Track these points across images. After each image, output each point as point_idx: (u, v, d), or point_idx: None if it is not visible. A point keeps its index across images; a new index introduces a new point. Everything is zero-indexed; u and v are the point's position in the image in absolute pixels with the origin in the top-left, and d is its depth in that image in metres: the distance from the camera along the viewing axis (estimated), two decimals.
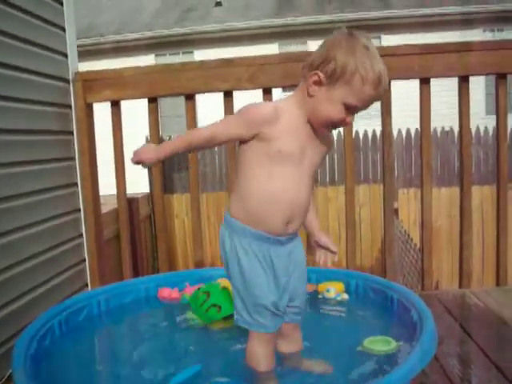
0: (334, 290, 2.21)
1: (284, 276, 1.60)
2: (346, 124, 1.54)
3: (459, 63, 2.73)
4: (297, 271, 1.65)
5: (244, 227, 1.56)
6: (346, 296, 2.21)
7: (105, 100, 2.85)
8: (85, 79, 2.85)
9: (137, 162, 1.59)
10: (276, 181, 1.53)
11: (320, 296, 2.24)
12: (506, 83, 2.77)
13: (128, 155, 3.10)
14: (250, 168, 1.55)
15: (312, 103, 1.51)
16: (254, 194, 1.55)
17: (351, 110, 1.50)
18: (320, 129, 1.56)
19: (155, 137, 2.89)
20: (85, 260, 2.96)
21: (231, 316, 1.73)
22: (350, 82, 1.44)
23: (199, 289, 2.24)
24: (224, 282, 2.21)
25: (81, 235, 2.95)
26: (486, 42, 3.38)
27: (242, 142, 1.54)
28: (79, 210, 2.94)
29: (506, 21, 12.65)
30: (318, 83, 1.48)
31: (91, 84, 2.85)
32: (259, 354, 1.59)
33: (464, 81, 2.76)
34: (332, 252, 1.77)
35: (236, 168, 1.63)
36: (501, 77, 2.77)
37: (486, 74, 2.98)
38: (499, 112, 2.78)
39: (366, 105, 1.50)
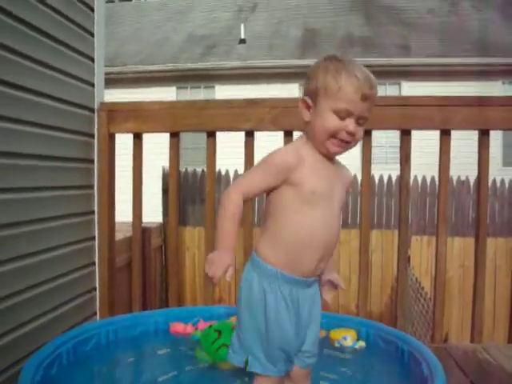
0: (350, 338, 2.19)
1: (306, 320, 1.59)
2: (350, 134, 1.52)
3: (480, 117, 2.74)
4: (316, 315, 1.64)
5: (276, 270, 1.54)
6: (363, 344, 2.18)
7: (127, 131, 2.90)
8: (109, 110, 2.91)
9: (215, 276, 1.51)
10: (310, 222, 1.53)
11: (336, 344, 2.21)
12: None
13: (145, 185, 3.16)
14: (282, 212, 1.55)
15: (310, 128, 1.56)
16: (289, 237, 1.54)
17: (344, 114, 1.50)
18: (330, 147, 1.54)
19: (174, 171, 2.92)
20: (95, 288, 2.97)
21: None
22: (328, 90, 1.49)
23: (211, 326, 2.22)
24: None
25: (93, 263, 2.97)
26: (506, 98, 3.40)
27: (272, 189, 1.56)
28: (94, 238, 2.96)
29: None
30: (308, 107, 1.55)
31: (115, 115, 2.90)
32: None
33: (484, 134, 2.77)
34: (340, 289, 1.74)
35: (266, 212, 1.61)
36: None
37: (506, 130, 2.99)
38: None
39: (356, 105, 1.50)
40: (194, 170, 7.42)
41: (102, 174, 2.90)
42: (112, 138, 2.93)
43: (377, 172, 7.34)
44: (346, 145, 1.55)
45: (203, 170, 7.80)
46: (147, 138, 2.96)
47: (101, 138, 2.90)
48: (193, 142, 11.98)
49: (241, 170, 2.96)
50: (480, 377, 2.31)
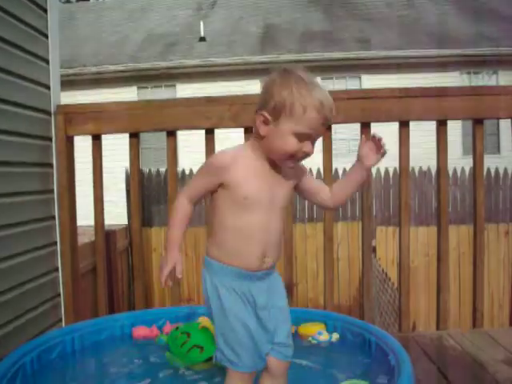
0: (324, 333, 2.19)
1: (264, 311, 1.62)
2: (306, 154, 1.56)
3: (437, 107, 2.78)
4: (276, 305, 1.67)
5: (222, 266, 1.60)
6: (338, 336, 2.19)
7: (86, 133, 2.84)
8: (66, 112, 2.85)
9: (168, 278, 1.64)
10: (246, 225, 1.58)
11: (312, 340, 2.20)
12: (483, 128, 2.83)
13: (107, 186, 3.11)
14: (221, 214, 1.60)
15: (266, 143, 1.56)
16: (228, 238, 1.59)
17: (304, 138, 1.53)
18: (284, 164, 1.59)
19: (135, 171, 2.88)
20: (59, 295, 2.91)
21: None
22: (292, 113, 1.49)
23: (177, 328, 2.20)
24: (204, 322, 2.18)
25: (56, 269, 2.91)
26: (463, 88, 3.46)
27: (212, 191, 1.62)
28: (55, 243, 2.90)
29: (481, 64, 12.99)
30: (266, 122, 1.54)
31: (73, 117, 2.84)
32: None
33: (442, 124, 2.81)
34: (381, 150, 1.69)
35: (210, 213, 1.67)
36: (477, 122, 2.83)
37: (464, 119, 3.04)
38: (476, 156, 2.83)
39: (317, 130, 1.54)
40: (158, 170, 7.36)
41: (61, 177, 2.84)
42: (70, 140, 2.87)
43: (340, 165, 7.41)
44: (299, 160, 1.61)
45: (167, 170, 7.76)
46: (112, 139, 2.92)
47: (59, 142, 2.83)
48: (156, 141, 11.89)
49: None
50: (446, 363, 2.35)
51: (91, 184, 2.88)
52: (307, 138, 1.53)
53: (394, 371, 1.68)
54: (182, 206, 1.62)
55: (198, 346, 2.04)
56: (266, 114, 1.52)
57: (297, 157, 1.56)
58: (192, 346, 2.04)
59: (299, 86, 1.50)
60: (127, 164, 2.88)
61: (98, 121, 2.83)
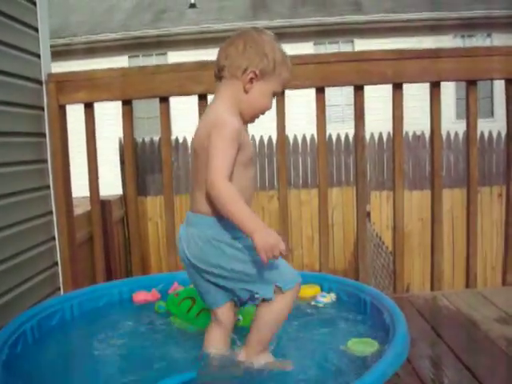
0: (327, 295, 2.20)
1: None
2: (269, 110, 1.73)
3: (431, 69, 2.78)
4: None
5: (227, 222, 1.59)
6: (334, 296, 2.21)
7: (78, 102, 2.82)
8: (58, 80, 2.82)
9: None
10: (247, 183, 1.67)
11: (314, 303, 2.20)
12: (476, 90, 2.83)
13: (102, 158, 3.10)
14: (233, 176, 1.58)
15: (248, 99, 1.65)
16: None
17: (274, 96, 1.71)
18: (251, 121, 1.71)
19: (129, 139, 2.88)
20: (57, 263, 2.93)
21: None
22: (280, 73, 1.65)
23: (177, 294, 2.20)
24: None
25: (53, 238, 2.92)
26: (457, 49, 3.44)
27: None
28: (51, 213, 2.90)
29: (475, 27, 12.89)
30: (253, 80, 1.63)
31: (64, 85, 2.82)
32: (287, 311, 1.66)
33: (435, 86, 2.81)
34: None
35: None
36: (471, 83, 2.82)
37: (457, 80, 3.04)
38: (469, 118, 2.83)
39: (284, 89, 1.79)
40: (151, 139, 7.33)
41: (54, 147, 2.83)
42: (62, 109, 2.85)
43: (334, 131, 7.40)
44: None
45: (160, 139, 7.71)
46: (107, 109, 2.90)
47: (51, 111, 2.82)
48: (148, 111, 11.81)
49: None
50: (440, 322, 2.39)
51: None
52: (275, 95, 1.71)
53: (388, 330, 1.70)
54: (233, 189, 1.53)
55: (206, 310, 2.00)
56: (258, 72, 1.61)
57: (262, 114, 1.73)
58: (200, 310, 2.03)
59: (281, 49, 1.66)
60: (120, 134, 2.87)
61: (90, 89, 2.81)
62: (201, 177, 1.61)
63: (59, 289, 2.94)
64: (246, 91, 1.64)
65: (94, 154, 2.88)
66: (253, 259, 1.59)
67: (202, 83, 2.72)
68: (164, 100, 2.81)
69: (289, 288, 1.62)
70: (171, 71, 2.83)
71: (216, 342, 1.72)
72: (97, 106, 2.89)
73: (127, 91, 2.80)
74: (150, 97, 2.86)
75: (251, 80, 1.62)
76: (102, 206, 5.15)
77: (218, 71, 1.68)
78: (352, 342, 1.74)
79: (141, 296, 2.34)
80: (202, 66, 2.77)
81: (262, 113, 1.71)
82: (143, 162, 7.27)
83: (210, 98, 2.76)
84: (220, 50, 1.70)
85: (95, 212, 2.94)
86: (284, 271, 1.63)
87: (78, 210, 3.87)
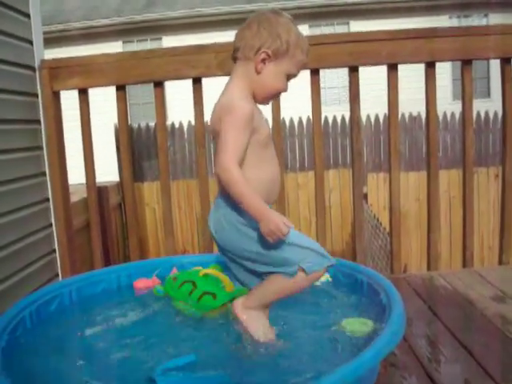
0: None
1: None
2: (283, 92, 1.73)
3: (425, 49, 2.76)
4: None
5: None
6: (329, 277, 2.21)
7: (72, 88, 2.81)
8: (51, 67, 2.81)
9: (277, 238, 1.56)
10: (271, 163, 1.71)
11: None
12: (472, 69, 2.82)
13: (98, 144, 3.10)
14: (252, 158, 1.62)
15: (260, 80, 1.66)
16: (264, 179, 1.67)
17: (289, 78, 1.70)
18: (264, 103, 1.73)
19: (124, 125, 2.86)
20: (55, 250, 2.94)
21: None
22: (294, 55, 1.64)
23: (175, 278, 2.20)
24: (204, 270, 2.19)
25: (50, 225, 2.92)
26: (452, 29, 3.42)
27: None
28: (48, 200, 2.90)
29: (471, 7, 12.80)
30: (265, 60, 1.63)
31: (58, 72, 2.80)
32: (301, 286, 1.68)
33: (430, 67, 2.80)
34: None
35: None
36: (466, 63, 2.81)
37: (452, 60, 3.03)
38: (465, 98, 2.83)
39: (299, 72, 1.72)
40: (147, 124, 7.31)
41: (49, 133, 2.82)
42: (57, 95, 2.84)
43: (330, 113, 7.38)
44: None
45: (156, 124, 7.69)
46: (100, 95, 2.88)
47: (45, 97, 2.81)
48: (144, 97, 11.77)
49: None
50: (437, 301, 2.41)
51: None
52: (290, 78, 1.70)
53: (385, 309, 1.71)
54: (241, 174, 1.54)
55: (208, 292, 2.02)
56: (270, 52, 1.62)
57: (276, 97, 1.76)
58: (202, 293, 2.02)
59: (299, 33, 1.66)
60: (115, 120, 2.86)
61: (84, 74, 2.80)
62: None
63: (57, 275, 2.95)
64: (258, 72, 1.64)
65: (89, 140, 2.87)
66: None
67: (196, 67, 2.71)
68: (159, 85, 2.80)
69: (312, 271, 1.63)
70: (165, 55, 2.81)
71: None
72: (94, 92, 2.88)
73: (121, 76, 2.79)
74: (145, 82, 2.84)
75: (263, 60, 1.63)
76: (98, 192, 5.15)
77: (233, 52, 1.70)
78: (347, 322, 1.75)
79: (142, 283, 2.34)
80: (196, 49, 2.76)
81: (276, 94, 1.73)
82: (139, 148, 7.27)
83: (204, 81, 2.77)
84: (237, 31, 1.72)
85: (92, 198, 2.94)
86: (311, 253, 1.63)
87: (75, 196, 3.88)
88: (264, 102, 1.73)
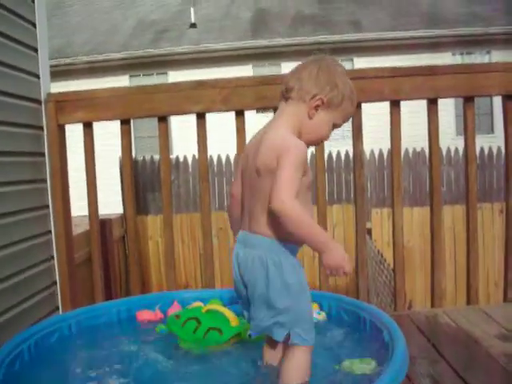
0: (321, 312, 2.19)
1: None
2: (326, 140, 1.79)
3: (428, 86, 2.79)
4: None
5: (294, 246, 1.65)
6: (323, 315, 2.20)
7: (77, 121, 2.83)
8: (57, 100, 2.84)
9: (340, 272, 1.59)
10: (310, 205, 1.70)
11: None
12: (474, 106, 2.83)
13: (102, 176, 3.11)
14: (299, 198, 1.58)
15: (309, 125, 1.67)
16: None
17: (334, 128, 1.72)
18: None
19: (127, 159, 2.88)
20: (56, 283, 2.92)
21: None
22: (346, 107, 1.68)
23: (178, 316, 2.17)
24: (207, 306, 2.18)
25: (52, 257, 2.91)
26: (453, 66, 3.46)
27: None
28: (50, 232, 2.90)
29: (474, 44, 12.96)
30: (319, 107, 1.65)
31: (63, 105, 2.83)
32: (308, 366, 1.65)
33: (432, 103, 2.81)
34: None
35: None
36: (468, 99, 2.83)
37: (454, 97, 3.05)
38: (467, 134, 2.84)
39: (345, 123, 1.76)
40: (152, 157, 7.35)
41: (53, 166, 2.83)
42: (62, 129, 2.87)
43: (334, 148, 7.42)
44: None
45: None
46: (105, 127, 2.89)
47: (50, 130, 2.83)
48: (150, 130, 11.86)
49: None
50: (441, 339, 2.37)
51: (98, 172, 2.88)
52: (335, 128, 1.73)
53: (388, 347, 1.69)
54: (300, 208, 1.53)
55: (214, 328, 2.01)
56: (326, 100, 1.64)
57: (319, 144, 1.86)
58: (208, 329, 2.01)
59: (351, 83, 1.69)
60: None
61: (89, 108, 2.83)
62: (264, 198, 1.59)
63: (58, 308, 2.92)
64: (310, 116, 1.66)
65: (93, 173, 2.88)
66: (297, 296, 1.62)
67: (200, 102, 2.73)
68: (162, 119, 2.82)
69: (303, 343, 1.62)
70: (170, 90, 2.85)
71: None
72: (100, 125, 2.90)
73: (126, 111, 2.82)
74: (149, 116, 2.87)
75: (317, 107, 1.65)
76: (102, 224, 5.15)
77: (285, 91, 1.69)
78: (350, 361, 1.73)
79: (145, 315, 2.32)
80: (199, 85, 2.79)
81: (319, 142, 1.77)
82: (143, 181, 7.29)
83: (208, 116, 2.79)
84: (293, 71, 1.73)
85: (93, 231, 2.94)
86: (309, 327, 1.65)
87: (79, 228, 3.87)
88: (307, 146, 1.70)
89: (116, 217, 6.12)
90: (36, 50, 2.89)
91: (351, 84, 1.70)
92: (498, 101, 2.94)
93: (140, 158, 7.48)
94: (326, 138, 1.74)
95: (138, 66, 13.38)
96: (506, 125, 2.85)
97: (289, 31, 13.51)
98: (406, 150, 7.23)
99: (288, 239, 1.61)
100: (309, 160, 1.66)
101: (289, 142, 1.59)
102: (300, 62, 1.75)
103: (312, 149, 2.94)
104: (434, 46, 12.56)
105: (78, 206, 2.99)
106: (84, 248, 3.80)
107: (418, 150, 7.31)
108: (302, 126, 1.68)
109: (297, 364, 1.63)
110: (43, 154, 2.88)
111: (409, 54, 12.25)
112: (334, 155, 7.50)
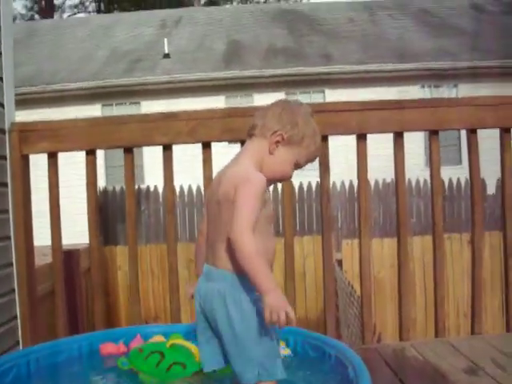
0: (285, 348, 2.16)
1: None
2: (288, 179, 1.84)
3: (394, 120, 2.82)
4: None
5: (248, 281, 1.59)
6: (288, 351, 2.16)
7: (41, 152, 2.78)
8: (21, 130, 2.79)
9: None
10: (270, 238, 1.71)
11: None
12: (438, 139, 2.87)
13: (79, 204, 3.04)
14: (255, 232, 1.57)
15: (269, 160, 1.72)
16: (260, 249, 1.57)
17: (297, 167, 1.76)
18: (268, 184, 1.70)
19: (92, 190, 2.83)
20: (16, 317, 2.83)
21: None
22: (307, 147, 1.72)
23: (141, 350, 2.12)
24: (170, 340, 2.13)
25: (13, 290, 2.83)
26: (419, 100, 3.51)
27: None
28: (11, 265, 2.82)
29: (441, 78, 13.28)
30: (278, 143, 1.70)
31: (28, 135, 2.78)
32: None
33: (399, 136, 2.84)
34: None
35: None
36: (433, 132, 2.87)
37: (420, 130, 3.09)
38: (432, 166, 2.87)
39: (308, 163, 1.79)
40: (122, 187, 7.28)
41: (15, 197, 2.77)
42: (25, 159, 2.81)
43: (305, 179, 7.45)
44: None
45: (139, 187, 7.68)
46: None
47: (13, 160, 2.77)
48: (120, 159, 11.79)
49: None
50: (408, 374, 2.35)
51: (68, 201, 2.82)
52: (297, 168, 1.77)
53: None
54: (254, 244, 1.53)
55: (178, 363, 1.98)
56: (285, 137, 1.69)
57: (281, 181, 1.89)
58: (171, 363, 1.98)
59: (315, 127, 1.75)
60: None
61: (54, 138, 2.78)
62: (225, 230, 1.60)
63: (18, 343, 2.83)
64: (270, 152, 1.71)
65: (57, 204, 2.82)
66: (259, 331, 1.59)
67: (166, 134, 2.72)
68: (128, 151, 2.79)
69: (269, 379, 1.61)
70: (136, 122, 2.83)
71: None
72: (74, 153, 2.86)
73: (91, 141, 2.78)
74: (114, 147, 2.85)
75: (277, 142, 1.70)
76: (69, 255, 5.06)
77: (250, 129, 1.76)
78: None
79: (108, 348, 2.25)
80: (167, 116, 2.78)
81: (281, 179, 1.82)
82: (113, 211, 7.22)
83: (174, 148, 2.77)
84: (259, 110, 1.80)
85: (57, 263, 2.86)
86: (276, 362, 1.63)
87: (45, 259, 3.78)
88: (268, 183, 1.72)
89: (85, 247, 5.98)
90: (1, 79, 2.85)
91: (315, 125, 1.76)
92: (465, 133, 2.99)
93: (110, 188, 7.42)
94: (288, 175, 1.77)
95: (110, 95, 13.35)
96: (470, 156, 2.90)
97: (261, 63, 13.67)
98: (376, 182, 7.31)
99: (242, 272, 1.60)
100: (280, 191, 1.68)
101: (248, 174, 1.63)
102: (271, 94, 1.81)
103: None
104: (403, 79, 12.84)
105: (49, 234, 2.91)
106: (49, 280, 3.70)
107: (388, 181, 7.39)
108: (264, 162, 1.71)
109: None
110: (6, 185, 2.81)
111: (379, 87, 12.49)
112: (305, 186, 7.54)
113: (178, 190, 7.64)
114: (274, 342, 1.66)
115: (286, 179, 1.84)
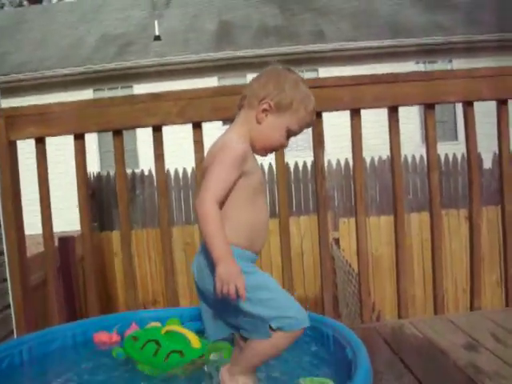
0: None
1: None
2: (283, 148, 1.77)
3: (388, 94, 2.76)
4: None
5: (244, 251, 1.63)
6: None
7: (29, 137, 2.72)
8: (7, 115, 2.72)
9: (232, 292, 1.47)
10: (261, 210, 1.69)
11: None
12: (434, 113, 2.81)
13: (69, 193, 2.99)
14: (240, 203, 1.61)
15: (259, 130, 1.67)
16: (249, 225, 1.64)
17: (290, 135, 1.71)
18: (261, 153, 1.73)
19: (82, 176, 2.76)
20: (9, 306, 2.79)
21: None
22: (297, 112, 1.66)
23: (136, 339, 2.08)
24: (166, 327, 2.10)
25: (5, 280, 2.79)
26: (414, 73, 3.44)
27: None
28: (2, 254, 2.78)
29: (435, 53, 13.18)
30: (267, 111, 1.66)
31: (14, 120, 2.71)
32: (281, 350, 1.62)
33: (393, 111, 2.78)
34: None
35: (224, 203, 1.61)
36: (429, 107, 2.81)
37: (415, 104, 3.03)
38: (428, 141, 2.81)
39: (302, 130, 1.73)
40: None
41: (4, 184, 2.71)
42: (13, 145, 2.74)
43: (301, 159, 7.40)
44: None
45: (133, 171, 7.62)
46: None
47: (0, 146, 2.71)
48: None
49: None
50: (408, 352, 2.32)
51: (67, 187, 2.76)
52: (292, 135, 1.71)
53: (351, 364, 1.63)
54: (216, 213, 1.53)
55: (175, 350, 1.95)
56: (272, 104, 1.64)
57: (276, 150, 1.77)
58: (169, 352, 1.94)
59: (306, 91, 1.69)
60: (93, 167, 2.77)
61: (41, 123, 2.71)
62: None
63: (12, 332, 2.79)
64: (258, 121, 1.67)
65: (47, 191, 2.76)
66: (254, 296, 1.55)
67: (156, 115, 2.66)
68: (117, 133, 2.73)
69: (289, 330, 1.57)
70: (125, 104, 2.75)
71: None
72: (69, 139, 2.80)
73: (80, 125, 2.71)
74: (103, 130, 2.78)
75: (265, 111, 1.66)
76: (64, 242, 5.02)
77: (240, 100, 1.73)
78: (305, 381, 1.66)
79: (102, 337, 2.22)
80: (155, 97, 2.71)
81: (274, 148, 1.74)
82: (108, 196, 7.16)
83: (164, 129, 2.71)
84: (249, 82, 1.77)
85: (49, 250, 2.81)
86: (288, 312, 1.58)
87: (40, 247, 3.74)
88: (262, 153, 1.73)
89: (79, 234, 5.97)
90: None
91: (306, 90, 1.70)
92: (461, 108, 2.93)
93: (104, 174, 7.36)
94: (281, 144, 1.72)
95: (102, 80, 13.22)
96: (466, 130, 2.84)
97: (253, 43, 13.53)
98: (372, 159, 7.27)
99: (235, 243, 1.59)
100: (275, 171, 1.63)
101: (226, 144, 1.61)
102: None
103: (272, 160, 2.89)
104: (397, 55, 12.73)
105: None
106: (44, 268, 3.66)
107: (384, 158, 7.34)
108: (252, 132, 1.68)
109: (277, 345, 1.59)
110: None
111: (372, 64, 12.36)
112: (301, 165, 7.48)
113: (172, 173, 7.60)
114: (275, 292, 1.61)
115: (278, 148, 1.76)
